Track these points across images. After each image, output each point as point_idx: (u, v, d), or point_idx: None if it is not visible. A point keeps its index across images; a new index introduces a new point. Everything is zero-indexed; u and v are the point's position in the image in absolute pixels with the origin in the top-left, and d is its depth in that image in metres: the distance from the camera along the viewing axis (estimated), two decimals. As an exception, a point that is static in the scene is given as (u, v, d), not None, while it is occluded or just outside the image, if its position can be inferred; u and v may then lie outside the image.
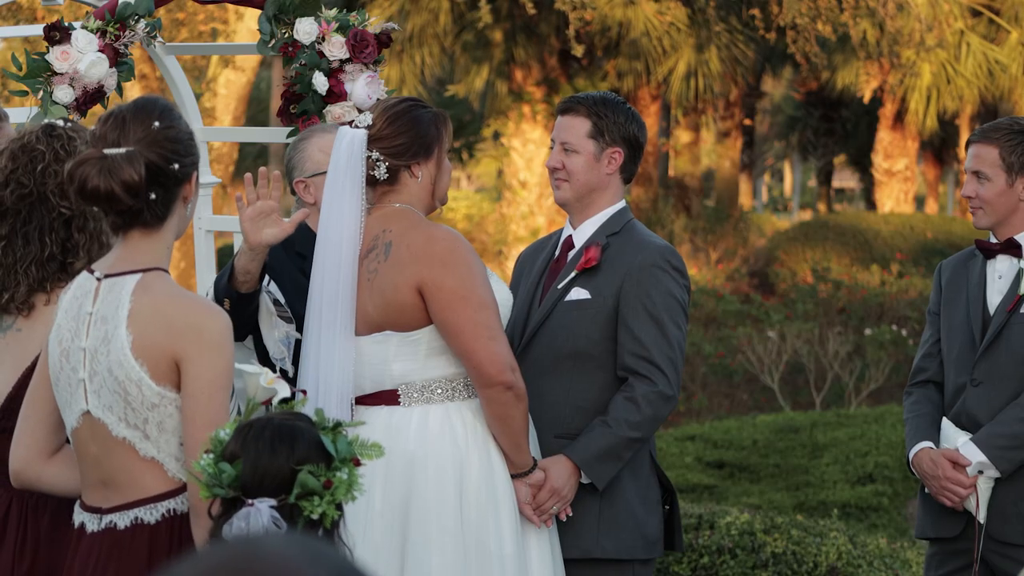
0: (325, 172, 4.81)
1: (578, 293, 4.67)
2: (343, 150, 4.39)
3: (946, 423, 5.00)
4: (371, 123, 4.40)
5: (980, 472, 4.87)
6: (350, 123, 4.56)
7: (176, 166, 3.55)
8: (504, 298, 4.48)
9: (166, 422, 3.55)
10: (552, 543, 4.53)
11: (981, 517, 4.89)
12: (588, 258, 4.66)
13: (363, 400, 4.40)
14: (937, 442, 4.99)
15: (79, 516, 3.69)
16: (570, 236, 4.81)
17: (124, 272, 3.59)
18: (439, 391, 4.38)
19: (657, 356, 4.60)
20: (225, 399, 3.51)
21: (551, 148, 4.80)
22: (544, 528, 4.49)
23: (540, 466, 4.47)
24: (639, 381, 4.59)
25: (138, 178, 3.48)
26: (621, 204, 4.82)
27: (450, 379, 4.39)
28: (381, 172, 4.39)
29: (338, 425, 3.33)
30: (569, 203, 4.78)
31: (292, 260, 4.90)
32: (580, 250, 4.74)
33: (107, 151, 3.49)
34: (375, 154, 4.38)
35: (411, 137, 4.40)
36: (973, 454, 4.86)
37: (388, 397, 4.39)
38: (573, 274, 4.69)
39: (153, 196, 3.53)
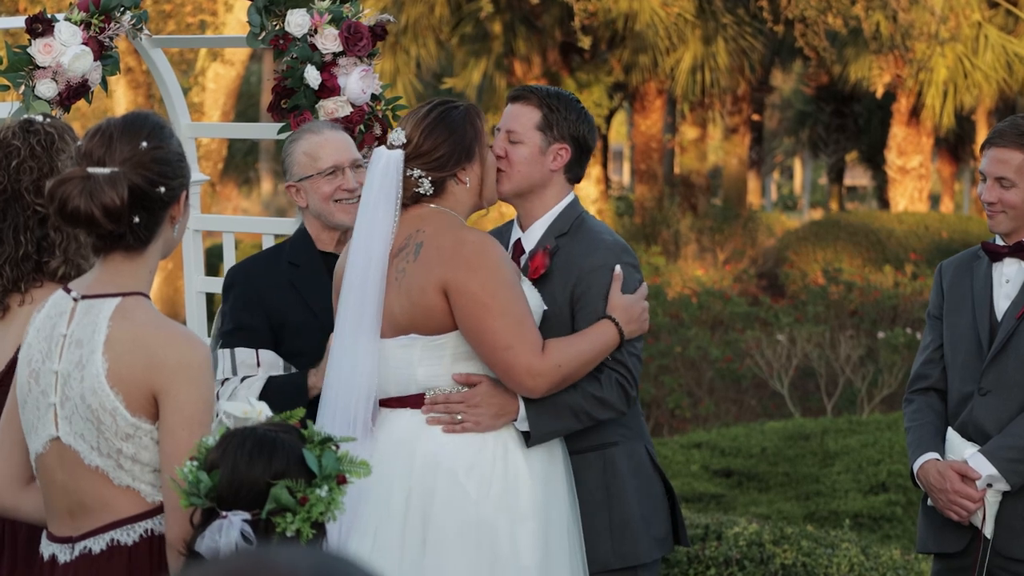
0: (311, 176, 4.86)
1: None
2: (377, 173, 4.43)
3: (952, 434, 4.94)
4: (406, 140, 4.43)
5: (988, 485, 4.82)
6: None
7: (162, 189, 3.48)
8: (535, 305, 4.51)
9: (140, 454, 3.50)
10: (581, 554, 4.55)
11: (988, 531, 4.84)
12: (535, 267, 4.61)
13: (387, 403, 4.46)
14: (942, 453, 4.94)
15: (48, 548, 3.62)
16: (519, 240, 4.75)
17: (103, 295, 3.53)
18: None
19: (618, 357, 4.61)
20: (204, 434, 3.45)
21: (494, 136, 4.73)
22: (572, 539, 4.50)
23: (484, 380, 4.46)
24: (603, 365, 4.58)
25: (120, 202, 3.42)
26: (569, 199, 4.74)
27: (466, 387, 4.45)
28: (426, 187, 4.43)
29: (327, 440, 3.29)
30: (507, 196, 4.71)
31: (283, 271, 4.91)
32: (528, 256, 4.68)
33: (91, 170, 3.43)
34: (417, 171, 4.42)
35: (451, 145, 4.43)
36: (983, 467, 4.81)
37: (414, 401, 4.45)
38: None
39: (137, 220, 3.47)
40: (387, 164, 4.42)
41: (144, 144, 3.47)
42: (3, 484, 3.72)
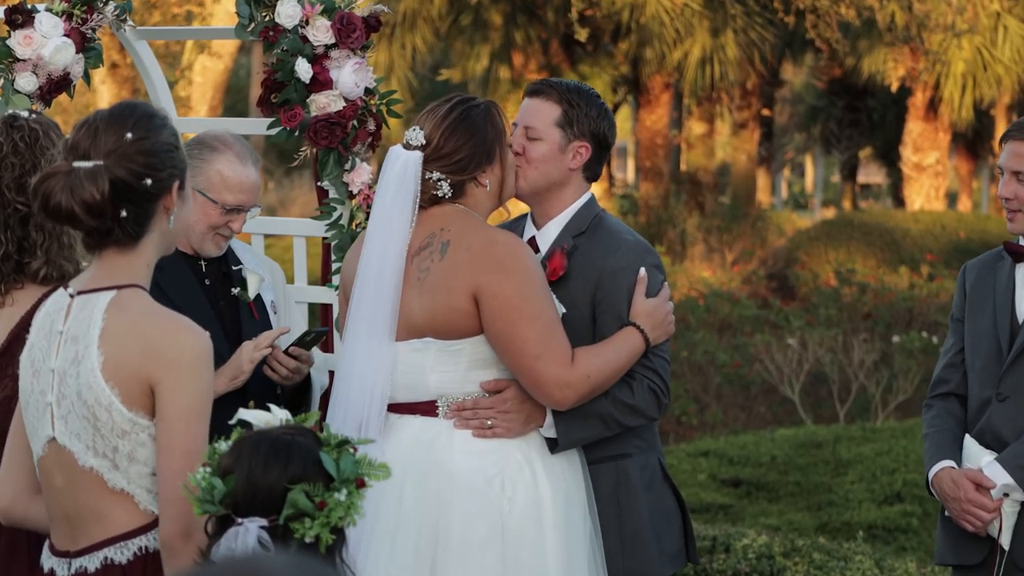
0: (212, 200, 4.83)
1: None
2: (394, 176, 4.45)
3: (969, 441, 4.94)
4: (425, 140, 4.44)
5: (1005, 495, 4.82)
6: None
7: (149, 181, 3.49)
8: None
9: (137, 452, 3.51)
10: (602, 563, 4.58)
11: (1005, 542, 4.83)
12: (553, 268, 4.62)
13: (395, 408, 4.48)
14: (959, 461, 4.94)
15: (48, 561, 3.66)
16: (533, 238, 4.76)
17: (98, 289, 3.55)
18: None
19: (649, 363, 4.62)
20: (203, 427, 3.47)
21: (512, 132, 4.72)
22: (594, 548, 4.53)
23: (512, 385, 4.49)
24: (636, 372, 4.60)
25: (100, 197, 3.43)
26: (586, 197, 4.75)
27: (491, 395, 4.47)
28: (445, 190, 4.46)
29: (344, 442, 3.30)
30: (524, 195, 4.72)
31: None
32: (545, 256, 4.69)
33: (76, 164, 3.45)
34: (436, 174, 4.44)
35: (472, 147, 4.45)
36: (998, 475, 4.80)
37: (425, 408, 4.47)
38: None
39: (124, 214, 3.48)
40: (404, 166, 4.44)
41: (129, 135, 3.48)
42: (15, 494, 3.75)
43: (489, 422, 4.45)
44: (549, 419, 4.51)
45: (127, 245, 3.54)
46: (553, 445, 4.53)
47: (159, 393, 3.47)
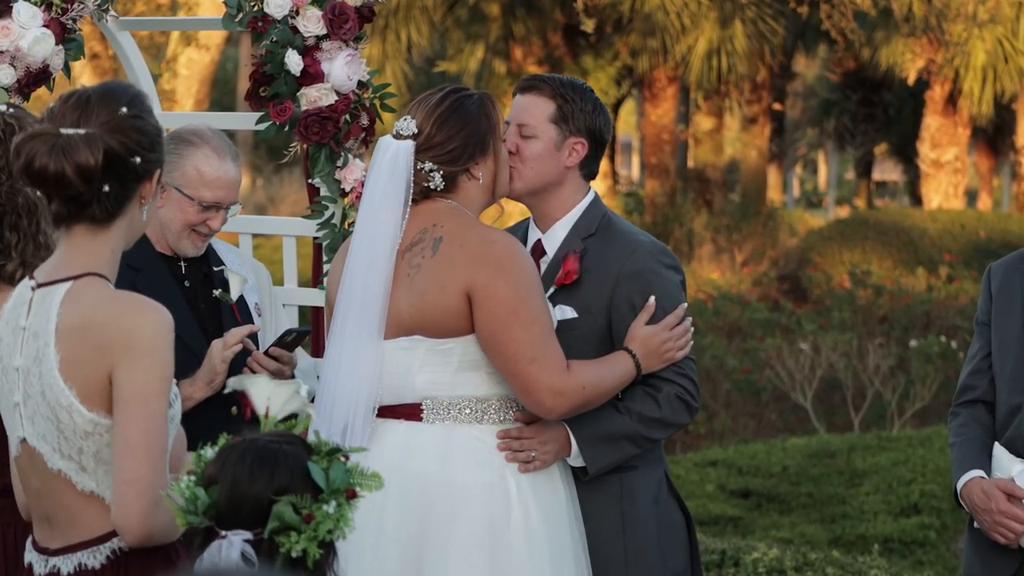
0: (188, 196, 4.86)
1: (562, 312, 4.63)
2: (385, 166, 4.44)
3: (999, 449, 4.94)
4: (417, 129, 4.44)
5: (1039, 505, 4.84)
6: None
7: (138, 160, 3.52)
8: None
9: (103, 452, 3.52)
10: None
11: (1037, 556, 4.86)
12: (567, 271, 4.62)
13: (379, 411, 4.47)
14: (989, 470, 4.95)
15: (28, 555, 3.70)
16: (539, 241, 4.76)
17: (57, 280, 3.57)
18: (467, 411, 4.46)
19: (681, 370, 4.63)
20: (162, 406, 3.46)
21: (504, 130, 4.71)
22: (580, 564, 4.52)
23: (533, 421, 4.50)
24: (661, 381, 4.61)
25: (94, 163, 3.45)
26: (590, 197, 4.76)
27: (481, 399, 4.47)
28: (437, 182, 4.45)
29: (336, 450, 3.28)
30: (520, 196, 4.72)
31: (123, 277, 4.88)
32: (555, 260, 4.69)
33: (64, 131, 3.47)
34: (428, 164, 4.44)
35: (465, 137, 4.44)
36: None
37: (409, 411, 4.45)
38: (552, 289, 4.65)
39: (107, 188, 3.50)
40: (396, 155, 4.43)
41: (124, 110, 3.52)
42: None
43: (533, 453, 4.47)
44: (575, 449, 4.53)
45: (99, 224, 3.56)
46: (583, 473, 4.56)
47: (115, 378, 3.46)
